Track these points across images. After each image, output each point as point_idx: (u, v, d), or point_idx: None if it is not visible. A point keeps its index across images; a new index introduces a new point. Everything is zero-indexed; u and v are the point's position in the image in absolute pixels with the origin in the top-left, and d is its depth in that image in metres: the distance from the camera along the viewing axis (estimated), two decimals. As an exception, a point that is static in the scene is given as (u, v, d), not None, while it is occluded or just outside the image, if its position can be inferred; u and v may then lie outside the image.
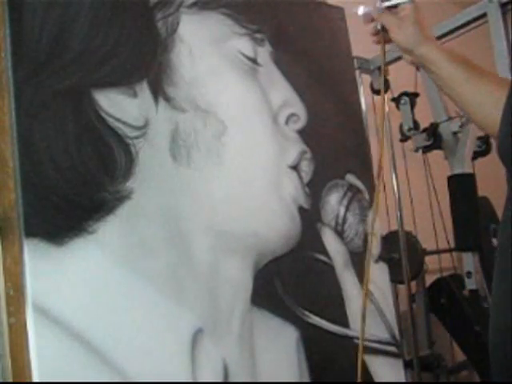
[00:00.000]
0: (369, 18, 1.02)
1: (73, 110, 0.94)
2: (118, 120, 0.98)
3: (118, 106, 0.99)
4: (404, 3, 0.97)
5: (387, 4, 0.99)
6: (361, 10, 1.03)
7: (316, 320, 1.20)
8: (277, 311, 1.14)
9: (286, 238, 1.19)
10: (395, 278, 1.91)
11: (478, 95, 0.88)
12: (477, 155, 1.77)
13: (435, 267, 2.18)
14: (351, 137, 1.43)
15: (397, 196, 2.03)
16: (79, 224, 0.92)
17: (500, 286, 0.80)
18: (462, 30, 1.68)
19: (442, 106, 1.74)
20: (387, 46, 1.03)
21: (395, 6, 0.98)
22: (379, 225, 1.39)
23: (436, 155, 1.78)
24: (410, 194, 2.12)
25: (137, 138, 1.00)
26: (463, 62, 0.91)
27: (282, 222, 1.18)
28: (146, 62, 1.04)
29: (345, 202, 1.32)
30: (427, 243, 2.13)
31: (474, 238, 1.67)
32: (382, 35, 1.01)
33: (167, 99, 1.06)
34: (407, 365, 1.79)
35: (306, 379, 1.16)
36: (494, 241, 2.07)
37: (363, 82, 1.93)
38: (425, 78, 1.76)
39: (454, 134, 1.69)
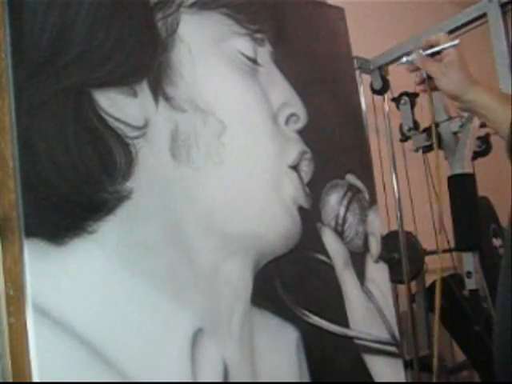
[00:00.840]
0: (413, 67, 1.01)
1: (73, 110, 0.94)
2: (118, 120, 0.98)
3: (118, 106, 0.99)
4: (447, 48, 0.96)
5: (431, 51, 0.98)
6: (404, 59, 1.02)
7: (316, 320, 1.20)
8: (277, 311, 1.14)
9: (286, 238, 1.18)
10: (395, 278, 1.91)
11: None
12: (477, 155, 1.77)
13: (435, 267, 2.17)
14: (351, 137, 1.43)
15: (397, 196, 2.03)
16: (79, 224, 0.92)
17: (505, 285, 0.81)
18: (462, 30, 1.68)
19: (442, 106, 1.74)
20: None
21: (439, 53, 0.97)
22: (379, 225, 1.39)
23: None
24: (410, 194, 2.12)
25: (137, 137, 1.00)
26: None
27: (282, 222, 1.18)
28: (146, 62, 1.05)
29: (345, 202, 1.32)
30: (427, 243, 2.13)
31: (474, 238, 1.67)
32: (428, 83, 0.99)
33: (167, 99, 1.06)
34: (407, 365, 1.79)
35: (306, 379, 1.16)
36: (494, 241, 2.07)
37: (363, 82, 1.93)
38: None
39: (454, 133, 1.69)
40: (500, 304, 0.84)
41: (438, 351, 1.96)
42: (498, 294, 0.86)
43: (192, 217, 1.05)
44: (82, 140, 0.94)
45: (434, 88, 0.99)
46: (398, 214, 2.01)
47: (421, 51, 0.98)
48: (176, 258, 1.02)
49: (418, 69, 1.00)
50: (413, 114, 1.80)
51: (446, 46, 0.97)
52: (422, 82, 1.00)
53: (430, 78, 0.99)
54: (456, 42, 0.97)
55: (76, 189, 0.92)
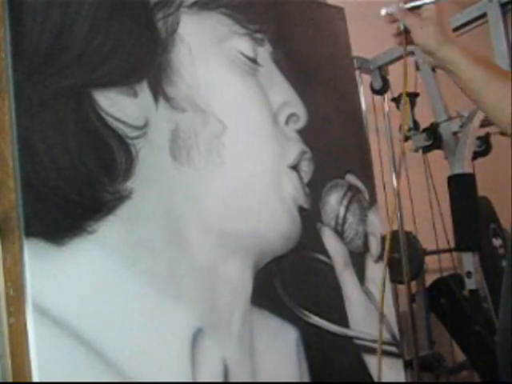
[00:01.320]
0: (391, 19, 1.01)
1: (73, 110, 0.94)
2: (118, 120, 0.98)
3: (118, 105, 0.99)
4: (428, 4, 0.96)
5: (411, 5, 0.98)
6: (384, 11, 1.02)
7: (316, 320, 1.20)
8: (277, 311, 1.14)
9: (286, 238, 1.18)
10: (395, 278, 1.91)
11: (500, 99, 0.86)
12: (477, 155, 1.77)
13: (435, 267, 2.18)
14: (351, 137, 1.43)
15: (397, 196, 2.03)
16: (79, 224, 0.92)
17: (506, 286, 0.81)
18: (461, 30, 1.68)
19: (442, 106, 1.74)
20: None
21: (418, 7, 0.97)
22: (379, 225, 1.39)
23: (436, 155, 1.78)
24: (410, 193, 2.12)
25: (137, 137, 1.00)
26: (484, 64, 0.89)
27: (282, 222, 1.18)
28: (146, 62, 1.05)
29: (345, 202, 1.32)
30: (427, 243, 2.13)
31: (474, 238, 1.67)
32: (405, 36, 1.00)
33: (167, 99, 1.06)
34: (407, 365, 1.79)
35: (306, 379, 1.16)
36: (494, 241, 2.07)
37: (363, 82, 1.92)
38: (425, 78, 1.76)
39: (454, 133, 1.69)
40: (502, 305, 0.84)
41: (438, 351, 1.96)
42: (502, 295, 0.86)
43: (192, 217, 1.05)
44: (82, 140, 0.94)
45: (411, 41, 0.99)
46: (398, 214, 2.01)
47: (401, 4, 0.98)
48: (176, 258, 1.02)
49: (396, 21, 1.00)
50: (413, 113, 1.80)
51: (426, 1, 0.97)
52: (399, 34, 1.00)
53: (407, 31, 0.99)
54: None
55: (76, 189, 0.92)
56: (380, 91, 1.96)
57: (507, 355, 0.78)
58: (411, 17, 0.96)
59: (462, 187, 1.66)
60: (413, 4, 0.97)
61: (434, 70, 1.70)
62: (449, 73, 0.93)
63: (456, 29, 1.68)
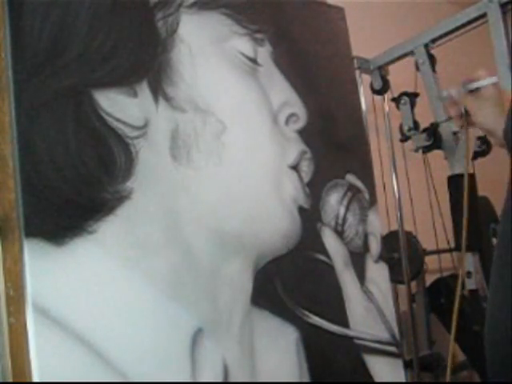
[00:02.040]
0: (453, 101, 1.03)
1: (73, 110, 0.94)
2: (118, 120, 0.98)
3: (118, 105, 0.99)
4: (486, 85, 0.97)
5: (470, 87, 0.99)
6: (445, 93, 1.04)
7: (316, 320, 1.20)
8: (277, 311, 1.14)
9: (286, 238, 1.18)
10: (395, 278, 1.91)
11: None
12: (477, 155, 1.77)
13: (435, 267, 2.18)
14: (351, 137, 1.43)
15: (397, 196, 2.03)
16: (79, 224, 0.92)
17: (498, 281, 0.80)
18: (461, 30, 1.68)
19: (442, 106, 1.74)
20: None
21: (478, 89, 0.98)
22: (379, 225, 1.39)
23: (436, 155, 1.78)
24: (410, 193, 2.12)
25: (137, 137, 1.00)
26: None
27: (282, 222, 1.18)
28: (146, 62, 1.04)
29: (345, 202, 1.32)
30: (427, 243, 2.13)
31: (474, 238, 1.66)
32: (466, 119, 1.01)
33: (167, 99, 1.06)
34: (407, 365, 1.79)
35: (306, 379, 1.16)
36: (494, 241, 2.07)
37: (363, 82, 1.93)
38: (425, 78, 1.76)
39: (454, 134, 1.69)
40: (490, 300, 0.84)
41: (438, 351, 1.96)
42: (490, 293, 0.86)
43: (192, 217, 1.05)
44: (82, 140, 0.94)
45: (471, 124, 1.01)
46: (398, 214, 2.01)
47: (461, 87, 1.00)
48: (176, 258, 1.02)
49: (456, 103, 1.02)
50: (413, 113, 1.80)
51: (484, 82, 0.98)
52: (461, 116, 1.02)
53: (467, 113, 1.01)
54: (494, 78, 0.99)
55: (76, 189, 0.92)
56: (380, 91, 1.96)
57: (496, 350, 0.78)
58: (470, 98, 0.98)
59: (462, 187, 1.66)
60: (472, 86, 0.99)
61: (434, 70, 1.70)
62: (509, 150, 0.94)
63: (456, 29, 1.69)
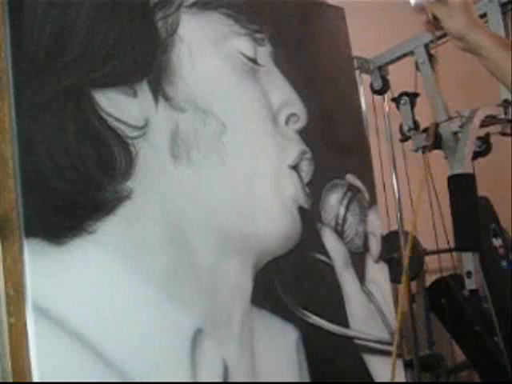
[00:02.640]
0: (420, 8, 1.06)
1: (73, 110, 0.94)
2: (118, 120, 0.98)
3: (118, 105, 0.99)
4: None
5: None
6: (413, 1, 1.08)
7: (316, 320, 1.20)
8: (277, 311, 1.14)
9: (286, 238, 1.18)
10: (395, 278, 1.91)
11: None
12: (477, 155, 1.77)
13: (435, 267, 2.18)
14: (351, 137, 1.43)
15: (397, 196, 2.03)
16: (79, 224, 0.92)
17: None
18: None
19: (442, 106, 1.74)
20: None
21: None
22: (379, 225, 1.39)
23: (436, 155, 1.78)
24: (410, 194, 2.12)
25: (137, 137, 1.00)
26: (508, 45, 0.96)
27: (282, 222, 1.18)
28: (146, 62, 1.04)
29: (345, 201, 1.32)
30: (427, 243, 2.13)
31: (474, 238, 1.66)
32: (433, 24, 1.05)
33: (167, 99, 1.06)
34: (407, 365, 1.79)
35: (306, 379, 1.16)
36: (494, 241, 2.07)
37: (363, 82, 1.92)
38: (425, 78, 1.76)
39: (454, 134, 1.69)
40: None
41: (438, 351, 1.96)
42: None
43: (192, 217, 1.05)
44: (82, 140, 0.94)
45: (440, 28, 1.04)
46: (398, 214, 2.01)
47: None
48: (176, 258, 1.02)
49: (424, 10, 1.06)
50: (413, 113, 1.79)
51: None
52: (428, 22, 1.06)
53: (435, 19, 1.04)
54: None
55: (76, 189, 0.92)
56: (380, 91, 1.96)
57: None
58: (439, 6, 1.03)
59: (462, 187, 1.66)
60: None
61: (433, 68, 1.70)
62: (477, 55, 1.00)
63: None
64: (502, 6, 1.54)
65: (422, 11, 1.08)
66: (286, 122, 1.23)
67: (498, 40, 0.98)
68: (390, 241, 1.95)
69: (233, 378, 1.04)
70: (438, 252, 2.13)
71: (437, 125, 1.68)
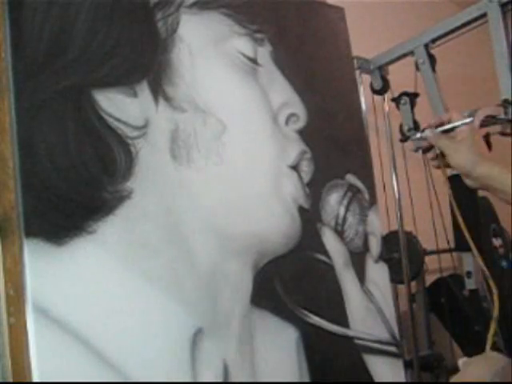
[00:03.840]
0: (427, 143, 1.04)
1: (73, 110, 0.94)
2: (118, 120, 0.98)
3: (118, 105, 0.99)
4: (459, 126, 0.98)
5: (443, 128, 1.00)
6: (418, 135, 1.06)
7: (316, 320, 1.20)
8: (277, 311, 1.14)
9: (286, 238, 1.18)
10: (395, 278, 1.91)
11: None
12: (477, 155, 1.77)
13: (435, 267, 2.18)
14: (351, 137, 1.43)
15: (397, 196, 2.03)
16: (79, 224, 0.92)
17: None
18: (462, 30, 1.68)
19: (442, 106, 1.74)
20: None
21: (451, 130, 0.99)
22: (379, 225, 1.39)
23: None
24: (410, 194, 2.12)
25: (137, 138, 1.00)
26: None
27: (282, 222, 1.18)
28: (146, 62, 1.04)
29: (345, 201, 1.32)
30: (427, 243, 2.13)
31: (474, 238, 1.67)
32: (441, 160, 1.03)
33: (167, 99, 1.06)
34: (407, 365, 1.79)
35: (306, 379, 1.16)
36: (494, 241, 2.07)
37: (363, 82, 1.93)
38: (425, 78, 1.76)
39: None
40: None
41: (438, 351, 1.96)
42: None
43: (192, 217, 1.05)
44: (82, 140, 0.94)
45: (447, 164, 1.01)
46: (398, 214, 2.01)
47: (433, 128, 1.01)
48: (176, 258, 1.02)
49: (431, 145, 1.03)
50: (413, 113, 1.80)
51: (458, 123, 0.99)
52: (436, 157, 1.03)
53: (443, 155, 1.02)
54: (468, 120, 1.00)
55: (76, 189, 0.92)
56: (380, 91, 1.97)
57: None
58: (445, 141, 0.99)
59: (462, 187, 1.66)
60: (445, 128, 1.00)
61: (433, 70, 1.70)
62: (489, 189, 0.96)
63: (456, 29, 1.69)
64: (502, 6, 1.54)
65: (427, 146, 1.04)
66: (286, 122, 1.23)
67: (507, 168, 0.93)
68: (390, 241, 1.95)
69: (233, 378, 1.04)
70: (438, 252, 2.13)
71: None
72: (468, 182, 0.99)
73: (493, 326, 0.89)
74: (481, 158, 0.96)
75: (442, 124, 1.03)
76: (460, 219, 1.03)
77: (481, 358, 0.81)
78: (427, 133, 1.02)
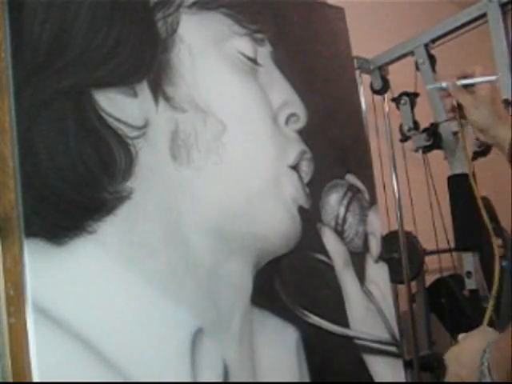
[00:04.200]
0: (446, 93, 1.02)
1: (73, 110, 0.94)
2: (118, 120, 0.98)
3: (118, 105, 0.99)
4: (481, 83, 0.97)
5: (465, 82, 0.99)
6: (438, 84, 1.04)
7: (316, 320, 1.20)
8: (277, 311, 1.14)
9: (286, 238, 1.18)
10: (395, 278, 1.91)
11: None
12: (477, 155, 1.77)
13: (435, 267, 2.18)
14: (351, 137, 1.43)
15: (397, 196, 2.03)
16: (79, 224, 0.92)
17: None
18: (461, 30, 1.68)
19: (442, 106, 1.74)
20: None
21: (472, 85, 0.98)
22: (379, 225, 1.39)
23: (436, 155, 1.78)
24: (410, 193, 2.12)
25: (137, 138, 1.00)
26: None
27: (282, 222, 1.18)
28: (146, 62, 1.04)
29: (345, 201, 1.32)
30: (427, 243, 2.13)
31: (474, 238, 1.66)
32: (458, 112, 1.01)
33: (167, 99, 1.06)
34: (407, 365, 1.79)
35: (306, 379, 1.16)
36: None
37: (363, 82, 1.93)
38: (425, 78, 1.76)
39: (454, 134, 1.69)
40: None
41: (438, 351, 1.96)
42: None
43: (192, 216, 1.05)
44: (82, 140, 0.94)
45: (463, 117, 1.00)
46: (398, 214, 2.01)
47: (455, 80, 0.99)
48: (176, 258, 1.02)
49: (449, 96, 1.02)
50: (413, 113, 1.80)
51: (481, 79, 0.98)
52: (453, 109, 1.02)
53: (459, 107, 1.00)
54: (493, 77, 0.99)
55: (76, 189, 0.92)
56: (380, 91, 1.96)
57: None
58: (465, 95, 0.98)
59: (461, 187, 1.66)
60: (467, 81, 0.98)
61: (433, 70, 1.70)
62: (501, 150, 0.95)
63: (456, 29, 1.69)
64: (502, 6, 1.54)
65: (447, 96, 1.02)
66: (286, 122, 1.23)
67: None
68: (390, 241, 1.95)
69: (233, 378, 1.04)
70: (438, 252, 2.13)
71: (437, 125, 1.68)
72: (480, 136, 0.98)
73: (491, 303, 0.91)
74: (499, 118, 0.95)
75: (464, 77, 1.01)
76: (475, 187, 1.01)
77: (478, 332, 0.86)
78: (448, 83, 1.01)
